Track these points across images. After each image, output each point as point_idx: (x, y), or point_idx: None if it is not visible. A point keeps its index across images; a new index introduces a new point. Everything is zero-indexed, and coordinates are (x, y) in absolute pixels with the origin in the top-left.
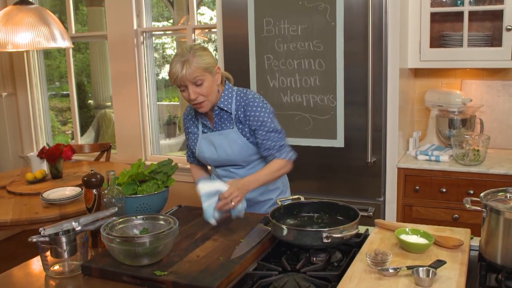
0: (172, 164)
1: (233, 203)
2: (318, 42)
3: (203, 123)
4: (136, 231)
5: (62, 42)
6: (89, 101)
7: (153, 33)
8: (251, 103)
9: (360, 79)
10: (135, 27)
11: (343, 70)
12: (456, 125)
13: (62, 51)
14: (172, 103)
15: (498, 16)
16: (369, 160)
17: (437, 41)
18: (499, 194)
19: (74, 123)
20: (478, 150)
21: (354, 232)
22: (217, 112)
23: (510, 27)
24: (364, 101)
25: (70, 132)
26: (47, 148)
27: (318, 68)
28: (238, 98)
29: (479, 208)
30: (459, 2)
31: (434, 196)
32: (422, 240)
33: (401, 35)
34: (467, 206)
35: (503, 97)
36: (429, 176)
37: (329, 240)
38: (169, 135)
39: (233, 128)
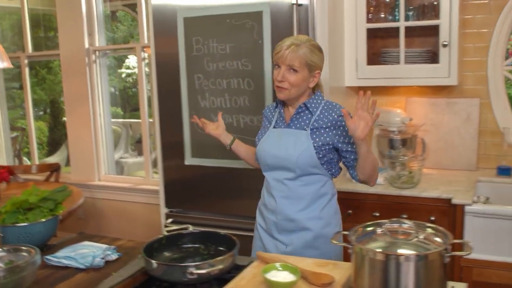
0: (67, 190)
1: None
2: (246, 61)
3: (278, 118)
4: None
5: (0, 63)
6: (64, 118)
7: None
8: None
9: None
10: (86, 46)
11: (272, 90)
12: (396, 145)
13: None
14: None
15: (435, 31)
16: None
17: (378, 57)
18: (369, 228)
19: (31, 143)
20: (411, 172)
21: (221, 266)
22: (300, 110)
23: (446, 43)
24: None
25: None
26: None
27: (247, 88)
28: (325, 107)
29: (346, 244)
30: (397, 17)
31: (367, 221)
32: (290, 277)
33: (336, 52)
34: (335, 242)
35: (448, 115)
36: (363, 199)
37: (194, 276)
38: (141, 153)
39: (306, 130)
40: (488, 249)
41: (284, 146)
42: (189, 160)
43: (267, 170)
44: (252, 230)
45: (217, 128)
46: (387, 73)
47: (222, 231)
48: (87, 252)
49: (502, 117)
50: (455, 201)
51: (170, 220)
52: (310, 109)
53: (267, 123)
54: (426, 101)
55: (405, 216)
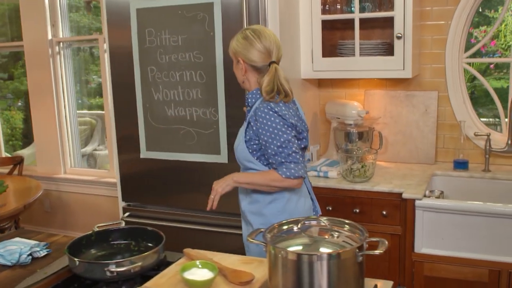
0: (3, 186)
1: (219, 190)
2: (198, 53)
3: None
4: None
5: None
6: None
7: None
8: (260, 113)
9: (242, 91)
10: (50, 37)
11: (224, 82)
12: (353, 138)
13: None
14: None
15: (392, 23)
16: None
17: (335, 49)
18: (285, 227)
19: None
20: (363, 166)
21: (141, 263)
22: (246, 103)
23: (400, 35)
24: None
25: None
26: None
27: (200, 80)
28: (259, 104)
29: (261, 243)
30: (353, 8)
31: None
32: (209, 275)
33: (292, 45)
34: (251, 240)
35: (407, 108)
36: (316, 193)
37: (113, 274)
38: None
39: (244, 124)
40: (438, 244)
41: (236, 138)
42: (144, 154)
43: None
44: (206, 224)
45: None
46: (343, 65)
47: (150, 227)
48: (14, 249)
49: (460, 110)
50: (405, 195)
51: (127, 213)
52: (251, 104)
53: None
54: (385, 94)
55: (357, 210)
